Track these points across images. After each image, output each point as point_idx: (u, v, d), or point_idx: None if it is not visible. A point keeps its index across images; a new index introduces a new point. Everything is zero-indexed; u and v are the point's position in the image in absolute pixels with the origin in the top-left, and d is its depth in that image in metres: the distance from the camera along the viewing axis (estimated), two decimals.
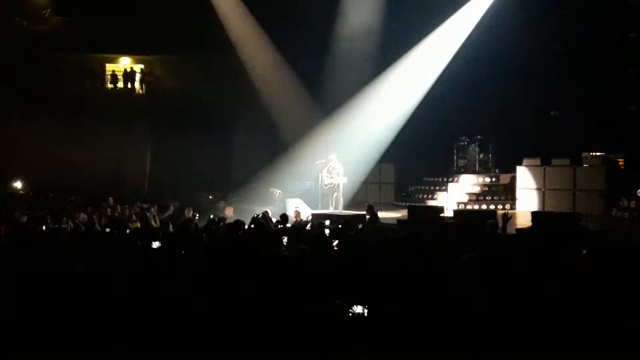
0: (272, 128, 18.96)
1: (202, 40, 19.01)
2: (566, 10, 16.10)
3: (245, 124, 20.93)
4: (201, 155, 19.69)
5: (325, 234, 7.77)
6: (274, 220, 10.49)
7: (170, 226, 8.31)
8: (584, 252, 5.93)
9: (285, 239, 7.38)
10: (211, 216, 11.55)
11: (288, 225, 9.75)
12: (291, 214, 11.99)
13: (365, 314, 3.75)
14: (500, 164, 17.48)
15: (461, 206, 15.90)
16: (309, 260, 5.25)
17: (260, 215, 10.11)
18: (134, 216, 11.18)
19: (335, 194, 15.12)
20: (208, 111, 20.04)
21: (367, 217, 11.27)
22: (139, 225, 10.24)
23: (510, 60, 16.45)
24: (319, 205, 15.39)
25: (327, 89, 18.07)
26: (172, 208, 11.87)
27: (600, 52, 15.91)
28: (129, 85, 21.91)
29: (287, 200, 15.33)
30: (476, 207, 16.07)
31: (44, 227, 9.25)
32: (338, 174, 15.16)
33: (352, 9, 17.81)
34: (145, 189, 20.42)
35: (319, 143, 17.15)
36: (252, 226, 8.88)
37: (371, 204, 12.09)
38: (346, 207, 15.51)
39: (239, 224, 8.80)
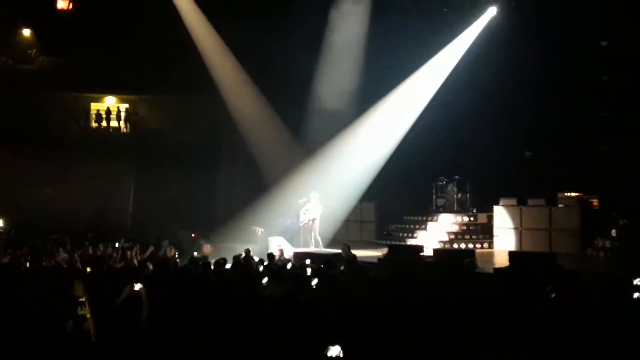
0: (254, 167, 18.98)
1: (185, 80, 19.11)
2: (539, 51, 16.40)
3: (227, 162, 20.92)
4: (184, 193, 19.58)
5: (305, 274, 7.71)
6: (257, 258, 10.42)
7: (150, 266, 8.17)
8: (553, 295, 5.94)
9: (265, 279, 7.31)
10: (194, 254, 11.44)
11: (267, 262, 9.68)
12: (274, 252, 11.90)
13: (342, 356, 3.69)
14: (478, 204, 17.60)
15: (441, 245, 15.92)
16: (289, 301, 5.21)
17: (242, 255, 10.02)
18: (115, 255, 10.99)
19: (312, 233, 15.10)
20: (191, 150, 20.04)
21: (343, 255, 11.23)
22: (121, 264, 10.07)
23: (487, 102, 16.71)
24: (301, 243, 15.34)
25: (308, 128, 18.23)
26: (152, 247, 11.70)
27: (575, 93, 16.17)
28: (114, 124, 21.89)
29: (269, 238, 15.25)
30: (455, 245, 16.09)
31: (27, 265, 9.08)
32: (315, 211, 15.17)
33: (334, 53, 18.06)
34: (128, 226, 20.17)
35: (301, 182, 17.18)
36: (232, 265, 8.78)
37: (346, 242, 12.05)
38: (326, 245, 15.47)
39: (219, 263, 8.73)
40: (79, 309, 5.26)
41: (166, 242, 12.16)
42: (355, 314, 5.08)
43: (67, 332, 4.74)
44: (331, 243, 15.86)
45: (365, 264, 10.83)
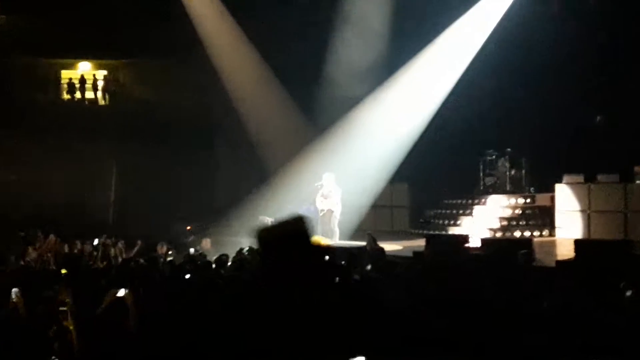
0: (259, 146, 19.00)
1: (176, 41, 19.11)
2: None
3: (227, 140, 20.96)
4: (177, 178, 19.72)
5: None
6: None
7: (137, 266, 8.25)
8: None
9: None
10: (191, 250, 11.53)
11: None
12: None
13: None
14: (536, 182, 17.45)
15: (491, 234, 15.85)
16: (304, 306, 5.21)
17: (246, 250, 10.08)
18: (95, 253, 11.12)
19: (331, 224, 15.09)
20: (184, 126, 20.12)
21: (368, 248, 11.26)
22: (102, 264, 10.19)
23: (545, 57, 16.49)
24: (320, 235, 15.36)
25: (323, 96, 18.16)
26: (139, 243, 11.83)
27: None
28: (90, 95, 22.01)
29: None
30: (508, 234, 16.01)
31: None
32: (332, 198, 15.12)
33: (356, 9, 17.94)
34: (110, 218, 20.38)
35: (317, 161, 17.18)
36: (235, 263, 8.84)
37: (371, 233, 12.06)
38: (351, 237, 15.48)
39: (222, 260, 8.79)
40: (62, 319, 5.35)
41: (161, 243, 12.25)
42: (382, 321, 5.07)
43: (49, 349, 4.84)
44: (355, 234, 15.86)
45: (397, 259, 10.82)
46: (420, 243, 13.89)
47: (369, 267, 8.46)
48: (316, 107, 18.41)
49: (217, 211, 18.49)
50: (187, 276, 7.90)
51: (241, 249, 10.27)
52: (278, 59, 18.64)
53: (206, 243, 14.50)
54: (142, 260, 9.60)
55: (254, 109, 19.04)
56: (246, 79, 19.24)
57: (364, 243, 12.18)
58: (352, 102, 18.36)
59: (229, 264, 9.02)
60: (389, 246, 13.09)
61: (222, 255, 9.31)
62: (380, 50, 17.83)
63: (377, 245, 11.44)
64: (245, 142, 19.60)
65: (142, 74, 22.03)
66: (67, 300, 5.74)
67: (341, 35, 18.10)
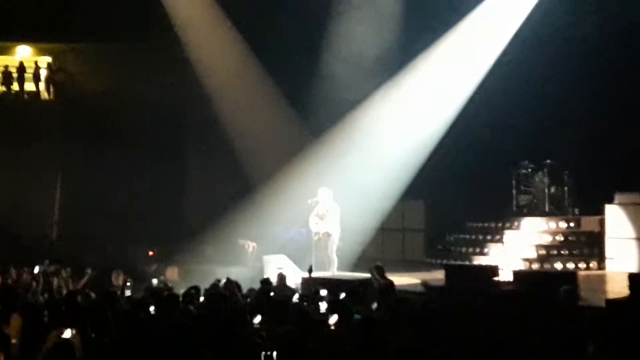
0: (239, 153, 19.00)
1: (136, 20, 19.14)
2: None
3: (203, 144, 20.98)
4: (136, 192, 19.69)
5: (318, 310, 7.73)
6: (246, 288, 10.46)
7: (86, 300, 8.24)
8: None
9: (258, 318, 7.35)
10: (153, 281, 11.53)
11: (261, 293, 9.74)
12: (272, 278, 11.96)
13: None
14: (581, 202, 17.49)
15: (525, 265, 15.86)
16: (293, 350, 5.24)
17: (223, 282, 10.08)
18: (34, 284, 11.09)
19: (328, 249, 15.07)
20: (148, 126, 20.11)
21: (374, 282, 11.27)
22: (44, 298, 10.17)
23: (591, 51, 16.56)
24: (313, 264, 15.34)
25: (321, 93, 18.20)
26: (89, 272, 11.83)
27: None
28: (30, 87, 22.00)
29: (265, 257, 15.29)
30: (547, 266, 16.01)
31: None
32: (329, 219, 15.10)
33: None
34: (54, 240, 20.32)
35: (311, 172, 17.20)
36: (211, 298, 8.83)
37: (379, 263, 12.04)
38: (352, 268, 15.47)
39: (190, 294, 8.77)
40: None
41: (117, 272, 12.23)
42: None
43: None
44: (358, 264, 15.84)
45: (410, 295, 10.80)
46: (439, 275, 13.89)
47: (374, 305, 8.45)
48: (312, 106, 18.46)
49: (186, 232, 18.46)
50: (152, 309, 7.91)
51: (217, 282, 10.23)
52: (267, 46, 18.67)
53: (172, 273, 14.51)
54: (92, 294, 9.57)
55: (235, 107, 19.06)
56: (226, 70, 19.28)
57: (369, 275, 12.18)
58: (354, 101, 18.41)
59: (201, 299, 9.01)
60: (400, 279, 13.07)
61: (192, 288, 9.29)
62: (389, 40, 17.92)
63: (385, 278, 11.42)
64: (223, 147, 19.61)
65: (95, 61, 22.04)
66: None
67: (343, 22, 18.16)
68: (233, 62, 19.20)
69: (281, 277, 12.01)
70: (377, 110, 18.39)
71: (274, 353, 5.60)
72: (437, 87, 18.23)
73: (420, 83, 18.35)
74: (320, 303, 8.54)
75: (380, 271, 11.56)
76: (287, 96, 19.02)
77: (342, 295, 8.95)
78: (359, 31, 17.85)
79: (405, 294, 11.15)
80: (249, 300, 9.39)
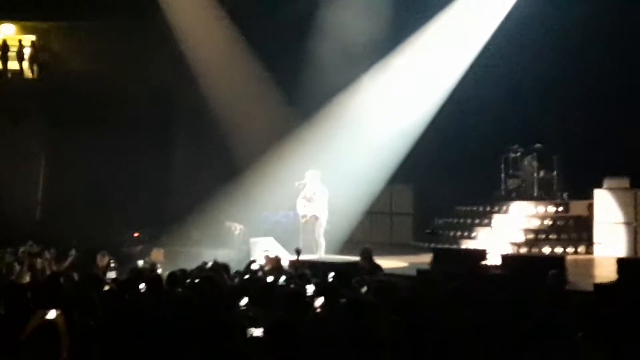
0: (226, 135, 18.95)
1: (125, 1, 19.03)
2: None
3: (189, 126, 20.92)
4: (121, 173, 19.61)
5: (305, 293, 7.73)
6: (233, 270, 10.45)
7: (70, 281, 8.20)
8: None
9: (245, 300, 7.32)
10: (139, 263, 11.51)
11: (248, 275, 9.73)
12: (259, 260, 11.94)
13: None
14: (570, 186, 17.53)
15: (514, 249, 15.91)
16: (280, 333, 5.22)
17: (210, 264, 10.04)
18: (17, 265, 11.05)
19: (316, 232, 15.08)
20: (131, 107, 20.02)
21: (361, 265, 11.27)
22: (26, 279, 10.13)
23: (582, 33, 16.56)
24: (300, 246, 15.35)
25: (308, 78, 18.13)
26: (73, 253, 11.79)
27: None
28: (14, 66, 21.86)
29: (252, 240, 15.27)
30: (535, 250, 16.07)
31: None
32: (317, 202, 15.10)
33: None
34: (37, 221, 20.26)
35: (298, 155, 17.17)
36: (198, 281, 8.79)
37: (368, 246, 12.05)
38: (340, 250, 15.48)
39: (175, 276, 8.75)
40: None
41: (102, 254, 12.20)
42: (378, 355, 5.08)
43: None
44: (345, 247, 15.86)
45: (397, 278, 10.81)
46: (426, 259, 13.92)
47: (364, 288, 8.44)
48: (300, 88, 18.38)
49: (172, 214, 18.42)
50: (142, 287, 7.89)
51: (204, 264, 10.19)
52: (255, 28, 18.57)
53: (157, 254, 14.45)
54: (75, 275, 9.54)
55: (222, 88, 18.99)
56: (214, 51, 19.20)
57: (356, 258, 12.18)
58: (343, 84, 18.35)
59: (187, 281, 8.98)
60: (387, 262, 13.09)
61: (177, 270, 9.26)
62: (378, 21, 17.80)
63: (373, 261, 11.43)
64: (209, 129, 19.56)
65: (81, 40, 21.90)
66: None
67: (331, 6, 18.06)
68: (221, 43, 19.13)
69: (268, 259, 11.98)
70: (365, 94, 18.38)
71: (261, 334, 5.58)
72: (425, 71, 18.24)
73: (408, 67, 18.34)
74: (307, 286, 8.53)
75: (368, 254, 11.57)
76: (275, 79, 18.95)
77: (330, 278, 8.96)
78: (348, 14, 17.76)
79: (393, 277, 11.16)
80: (236, 281, 9.36)
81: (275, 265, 11.66)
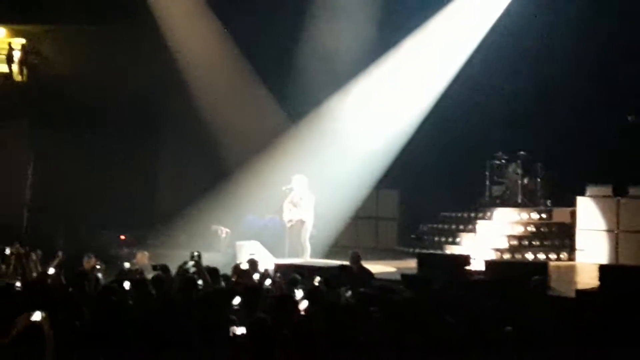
0: (213, 138, 18.92)
1: (115, 3, 18.96)
2: None
3: (176, 128, 20.86)
4: (109, 175, 19.54)
5: (292, 296, 7.73)
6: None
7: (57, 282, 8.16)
8: None
9: (237, 299, 7.32)
10: (125, 265, 11.46)
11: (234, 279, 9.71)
12: (245, 264, 11.90)
13: None
14: (553, 193, 17.58)
15: (497, 255, 15.95)
16: (264, 337, 5.22)
17: (190, 264, 9.96)
18: (3, 267, 10.99)
19: (302, 237, 15.08)
20: (122, 109, 19.95)
21: (354, 269, 11.27)
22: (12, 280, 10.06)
23: (568, 41, 16.62)
24: (286, 251, 15.34)
25: (296, 82, 18.15)
26: (60, 254, 11.71)
27: None
28: (3, 69, 21.75)
29: (238, 243, 15.25)
30: (518, 256, 16.11)
31: None
32: (303, 206, 15.10)
33: None
34: (25, 222, 20.16)
35: (286, 159, 17.16)
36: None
37: (356, 251, 12.06)
38: (326, 255, 15.47)
39: (159, 278, 8.73)
40: None
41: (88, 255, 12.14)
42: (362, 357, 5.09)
43: None
44: (331, 251, 15.85)
45: (384, 283, 10.82)
46: (411, 264, 13.93)
47: (348, 293, 8.45)
48: (288, 93, 18.39)
49: (159, 217, 18.37)
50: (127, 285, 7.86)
51: (184, 264, 10.11)
52: (244, 31, 18.55)
53: (142, 257, 14.37)
54: (62, 277, 9.48)
55: (210, 91, 18.93)
56: (202, 54, 19.14)
57: (342, 262, 12.16)
58: (331, 89, 18.35)
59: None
60: (373, 267, 13.07)
61: (160, 266, 9.25)
62: (366, 28, 17.85)
63: (362, 265, 11.48)
64: (197, 132, 19.50)
65: (70, 44, 21.77)
66: None
67: (322, 8, 18.07)
68: (210, 46, 19.08)
69: (253, 263, 11.95)
70: (353, 100, 18.37)
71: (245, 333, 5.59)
72: (412, 78, 18.26)
73: (395, 74, 18.35)
74: (296, 290, 8.52)
75: (357, 259, 11.59)
76: (263, 83, 18.93)
77: (316, 282, 8.97)
78: (337, 17, 17.79)
79: (379, 281, 11.17)
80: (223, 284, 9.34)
81: (255, 268, 11.60)
